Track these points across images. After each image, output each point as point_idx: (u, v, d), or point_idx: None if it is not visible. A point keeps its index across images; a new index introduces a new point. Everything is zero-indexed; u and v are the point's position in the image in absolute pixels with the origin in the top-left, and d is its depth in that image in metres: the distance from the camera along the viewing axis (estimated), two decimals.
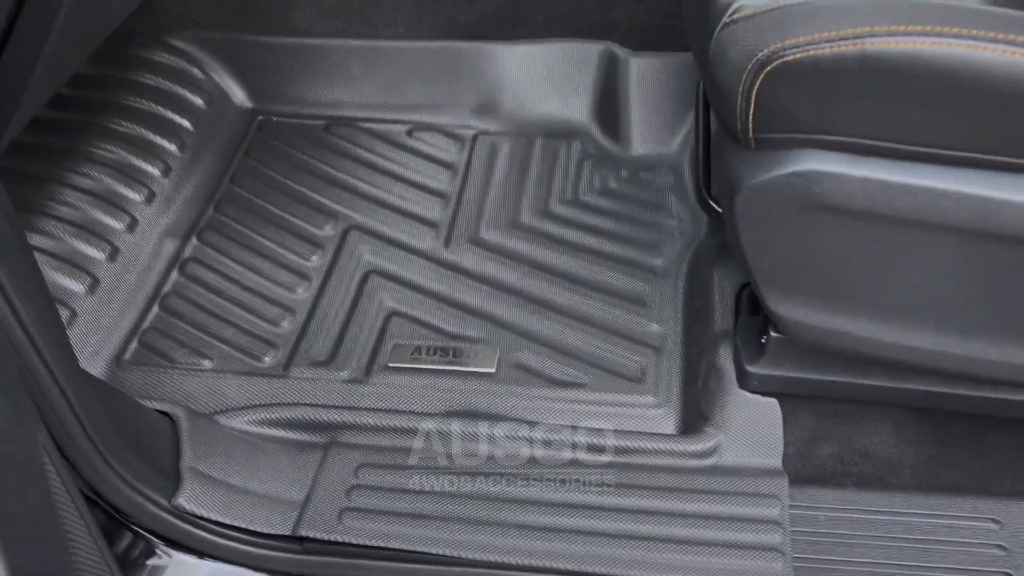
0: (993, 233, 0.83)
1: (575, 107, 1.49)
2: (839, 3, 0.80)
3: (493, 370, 1.17)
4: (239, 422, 1.10)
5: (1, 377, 0.62)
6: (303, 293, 1.28)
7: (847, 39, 0.78)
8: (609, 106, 1.48)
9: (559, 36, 1.50)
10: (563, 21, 1.51)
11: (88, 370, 1.17)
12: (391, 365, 1.18)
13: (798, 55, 0.79)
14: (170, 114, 1.46)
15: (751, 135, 0.86)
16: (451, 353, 1.19)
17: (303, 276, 1.30)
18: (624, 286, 1.26)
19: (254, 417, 1.10)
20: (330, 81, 1.54)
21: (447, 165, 1.45)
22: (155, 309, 1.25)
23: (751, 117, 0.85)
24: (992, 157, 0.80)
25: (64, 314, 1.19)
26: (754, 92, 0.83)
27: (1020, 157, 0.80)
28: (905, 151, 0.82)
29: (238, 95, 1.55)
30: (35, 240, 1.25)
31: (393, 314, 1.25)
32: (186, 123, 1.46)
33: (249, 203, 1.40)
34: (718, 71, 0.85)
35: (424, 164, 1.46)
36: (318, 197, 1.41)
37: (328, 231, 1.37)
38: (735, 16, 0.84)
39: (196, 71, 1.53)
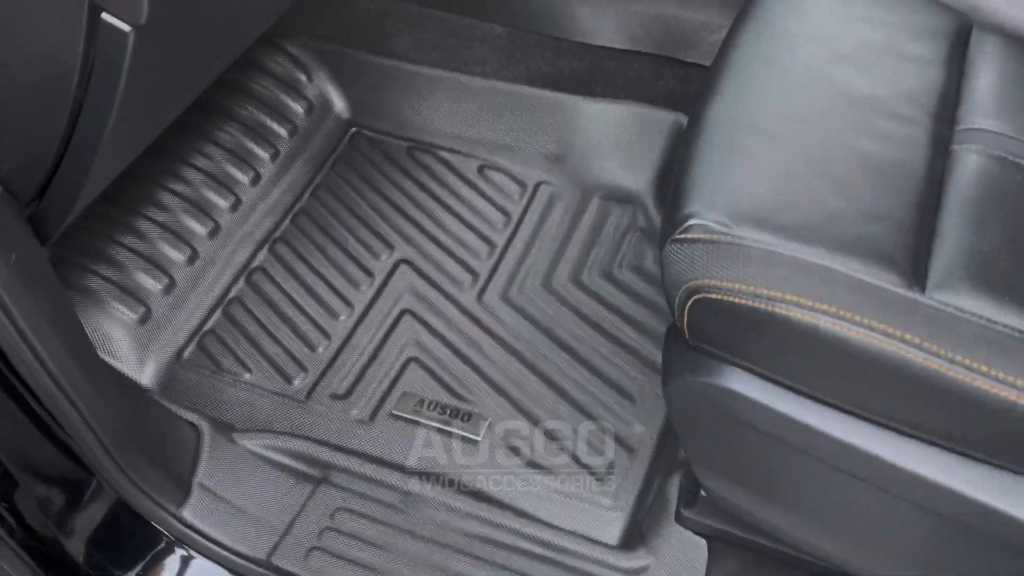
0: (881, 487, 0.87)
1: (636, 174, 1.54)
2: (765, 251, 0.84)
3: (479, 439, 1.29)
4: (252, 444, 1.28)
5: None
6: (344, 321, 1.43)
7: (761, 298, 0.82)
8: (667, 179, 1.52)
9: (635, 100, 1.54)
10: (641, 87, 1.54)
11: (150, 367, 1.38)
12: (394, 412, 1.33)
13: (720, 296, 0.85)
14: (270, 122, 1.61)
15: (687, 337, 0.92)
16: (448, 412, 1.32)
17: (348, 304, 1.45)
18: (620, 378, 1.34)
19: (266, 442, 1.28)
20: (419, 105, 1.64)
21: (504, 211, 1.55)
22: (218, 314, 1.44)
23: (685, 325, 0.91)
24: (883, 420, 0.84)
25: (140, 312, 1.40)
26: (686, 308, 0.89)
27: (905, 426, 0.83)
28: (812, 395, 0.87)
29: (338, 104, 1.68)
30: (127, 240, 1.44)
31: (411, 360, 1.39)
32: (283, 132, 1.61)
33: (322, 219, 1.55)
34: (664, 275, 0.91)
35: (485, 205, 1.56)
36: (383, 223, 1.54)
37: (383, 260, 1.50)
38: (683, 236, 0.89)
39: (303, 77, 1.66)
